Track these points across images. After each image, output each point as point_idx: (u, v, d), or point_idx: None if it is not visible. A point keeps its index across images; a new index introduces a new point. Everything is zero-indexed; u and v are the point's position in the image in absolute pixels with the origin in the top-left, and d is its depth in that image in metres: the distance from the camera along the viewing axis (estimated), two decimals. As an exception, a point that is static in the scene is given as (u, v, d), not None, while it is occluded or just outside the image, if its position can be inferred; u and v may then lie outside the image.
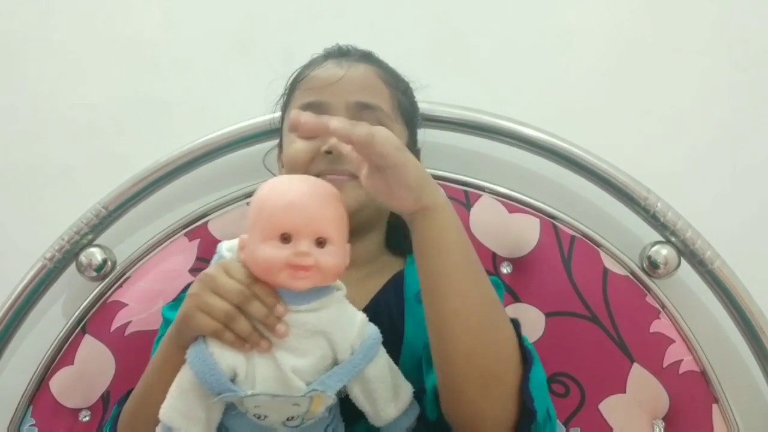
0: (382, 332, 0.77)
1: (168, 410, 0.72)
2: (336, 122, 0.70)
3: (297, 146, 0.91)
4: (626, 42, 1.23)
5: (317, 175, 0.88)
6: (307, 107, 0.92)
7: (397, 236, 1.01)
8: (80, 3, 1.25)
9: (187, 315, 0.73)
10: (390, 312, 0.88)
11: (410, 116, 1.00)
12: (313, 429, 0.75)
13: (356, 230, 0.84)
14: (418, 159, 1.03)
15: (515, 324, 0.78)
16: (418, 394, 0.80)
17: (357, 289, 0.86)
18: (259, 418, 0.73)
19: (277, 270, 0.70)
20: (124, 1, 1.26)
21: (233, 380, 0.71)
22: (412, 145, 1.01)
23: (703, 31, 1.22)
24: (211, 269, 0.74)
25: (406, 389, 0.78)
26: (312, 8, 1.24)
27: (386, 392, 0.76)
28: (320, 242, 0.71)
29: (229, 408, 0.75)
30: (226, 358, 0.71)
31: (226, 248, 0.78)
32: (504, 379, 0.74)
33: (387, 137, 0.70)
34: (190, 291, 0.74)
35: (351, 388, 0.75)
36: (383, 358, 0.77)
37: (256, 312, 0.71)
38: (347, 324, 0.74)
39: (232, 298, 0.71)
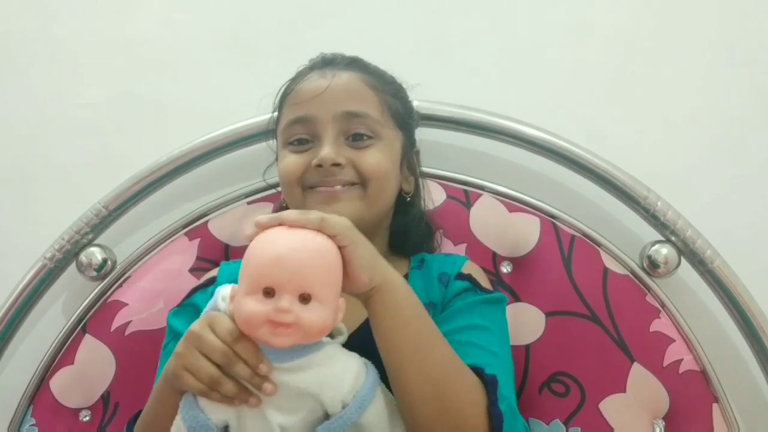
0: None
1: None
2: (288, 215, 0.72)
3: (289, 160, 0.93)
4: (627, 42, 1.23)
5: (310, 188, 0.91)
6: (296, 122, 0.93)
7: (400, 239, 1.02)
8: (80, 3, 1.26)
9: (174, 374, 0.73)
10: None
11: (403, 118, 0.99)
12: None
13: None
14: (418, 159, 1.04)
15: (492, 385, 0.78)
16: None
17: (352, 304, 0.87)
18: None
19: (257, 325, 0.68)
20: (124, 1, 1.26)
21: (226, 429, 0.72)
22: (409, 147, 1.01)
23: (703, 31, 1.22)
24: (198, 326, 0.73)
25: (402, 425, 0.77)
26: (311, 9, 1.24)
27: (383, 429, 0.75)
28: (304, 298, 0.68)
29: None
30: (216, 412, 0.72)
31: (222, 297, 0.76)
32: None
33: (337, 221, 0.72)
34: (177, 350, 0.74)
35: None
36: (378, 401, 0.75)
37: (240, 373, 0.70)
38: (337, 381, 0.72)
39: (216, 359, 0.71)
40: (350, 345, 0.79)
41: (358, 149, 0.92)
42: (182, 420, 0.73)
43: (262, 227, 0.71)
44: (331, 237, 0.71)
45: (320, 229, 0.71)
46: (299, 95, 0.95)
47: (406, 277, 0.95)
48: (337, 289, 0.72)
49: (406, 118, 1.00)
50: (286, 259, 0.68)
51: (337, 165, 0.90)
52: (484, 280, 0.98)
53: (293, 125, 0.94)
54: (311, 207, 0.89)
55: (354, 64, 0.98)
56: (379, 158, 0.92)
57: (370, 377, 0.74)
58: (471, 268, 0.98)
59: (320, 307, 0.69)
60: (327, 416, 0.73)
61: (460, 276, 0.95)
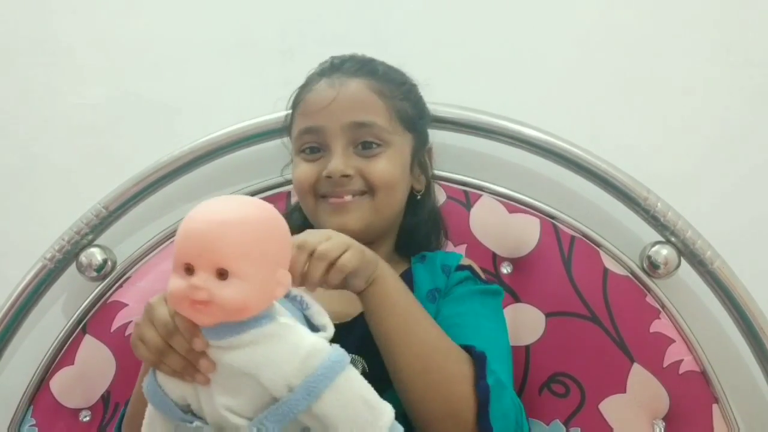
0: None
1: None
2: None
3: (301, 170, 0.96)
4: (627, 43, 1.22)
5: (322, 197, 0.94)
6: (306, 132, 0.96)
7: (408, 238, 1.04)
8: (80, 3, 1.25)
9: (132, 343, 0.74)
10: None
11: (413, 120, 1.00)
12: None
13: (368, 243, 0.86)
14: (430, 156, 1.05)
15: (480, 360, 0.81)
16: None
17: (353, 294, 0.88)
18: None
19: (180, 302, 0.65)
20: (124, 1, 1.26)
21: (190, 408, 0.71)
22: (420, 147, 1.02)
23: (703, 32, 1.22)
24: (155, 298, 0.73)
25: (383, 415, 0.68)
26: (312, 8, 1.24)
27: (351, 428, 0.67)
28: (221, 274, 0.63)
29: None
30: (173, 389, 0.71)
31: None
32: (461, 416, 0.79)
33: (316, 238, 0.75)
34: (136, 320, 0.76)
35: (305, 424, 0.68)
36: (342, 390, 0.67)
37: (178, 346, 0.69)
38: (278, 361, 0.66)
39: (160, 331, 0.70)
40: (345, 339, 0.76)
41: (367, 158, 0.94)
42: (145, 395, 0.72)
43: None
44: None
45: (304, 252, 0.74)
46: (308, 105, 0.97)
47: (408, 272, 0.98)
48: (269, 262, 0.66)
49: (416, 119, 1.01)
50: (198, 233, 0.64)
51: (346, 176, 0.93)
52: (474, 267, 1.01)
53: (304, 135, 0.96)
54: (322, 217, 0.94)
55: (363, 69, 0.98)
56: (387, 166, 0.94)
57: (329, 361, 0.66)
58: (468, 261, 1.02)
59: (239, 284, 0.64)
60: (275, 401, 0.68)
61: (460, 267, 0.99)
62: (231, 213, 0.66)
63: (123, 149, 1.24)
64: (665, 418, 1.10)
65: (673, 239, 1.13)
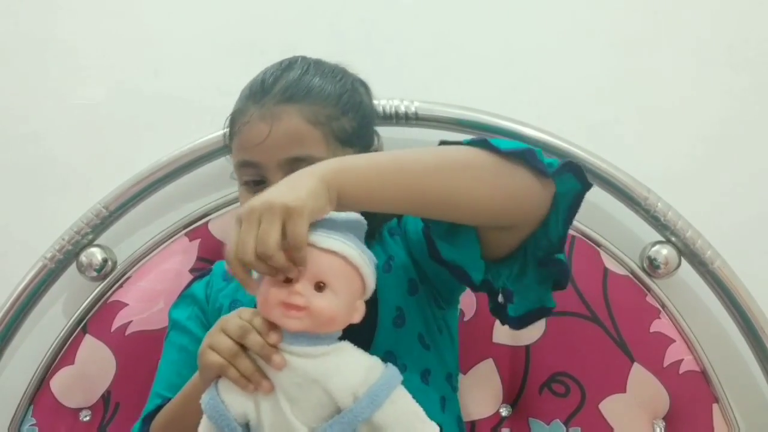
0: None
1: None
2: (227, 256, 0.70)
3: (247, 201, 0.92)
4: (626, 42, 1.22)
5: None
6: (244, 164, 0.92)
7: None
8: (80, 3, 1.25)
9: (201, 352, 0.75)
10: None
11: (356, 133, 0.95)
12: None
13: None
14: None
15: (528, 153, 0.78)
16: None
17: None
18: None
19: (273, 305, 0.70)
20: (124, 1, 1.26)
21: (248, 426, 0.73)
22: (364, 151, 0.96)
23: (703, 31, 1.22)
24: (226, 316, 0.76)
25: (433, 429, 0.74)
26: (312, 8, 1.24)
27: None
28: (320, 287, 0.70)
29: None
30: (235, 405, 0.72)
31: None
32: (538, 209, 0.79)
33: (250, 204, 0.69)
34: (206, 336, 0.76)
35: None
36: (399, 403, 0.73)
37: (253, 343, 0.71)
38: (348, 371, 0.72)
39: (234, 333, 0.72)
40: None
41: None
42: (204, 411, 0.73)
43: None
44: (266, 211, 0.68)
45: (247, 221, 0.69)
46: (243, 140, 0.93)
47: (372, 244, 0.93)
48: (355, 289, 0.73)
49: (357, 131, 0.96)
50: (310, 251, 0.70)
51: None
52: None
53: (243, 167, 0.93)
54: None
55: (295, 91, 0.93)
56: None
57: (387, 374, 0.73)
58: None
59: (333, 297, 0.71)
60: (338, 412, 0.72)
61: (407, 221, 0.96)
62: (336, 241, 0.72)
63: (123, 149, 1.24)
64: (665, 418, 1.10)
65: (673, 239, 1.13)
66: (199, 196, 1.21)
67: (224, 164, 1.19)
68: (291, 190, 0.70)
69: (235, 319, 0.73)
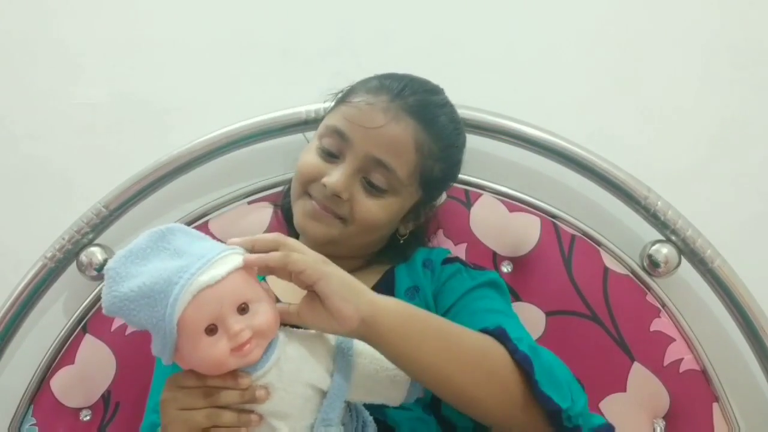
0: None
1: None
2: (249, 258, 0.72)
3: (310, 161, 0.95)
4: (627, 41, 1.22)
5: (309, 195, 0.94)
6: (336, 132, 0.94)
7: (388, 251, 1.02)
8: (81, 3, 1.25)
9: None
10: None
11: (434, 182, 0.97)
12: None
13: (331, 257, 0.87)
14: (431, 212, 1.03)
15: (502, 336, 0.80)
16: None
17: None
18: None
19: (225, 360, 0.70)
20: (124, 1, 1.26)
21: None
22: (426, 201, 1.00)
23: (703, 30, 1.22)
24: (166, 393, 0.75)
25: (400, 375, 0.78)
26: (312, 8, 1.24)
27: (385, 377, 0.76)
28: (242, 309, 0.71)
29: None
30: None
31: None
32: (514, 400, 0.78)
33: (299, 258, 0.71)
34: (166, 420, 0.75)
35: (353, 398, 0.75)
36: (362, 354, 0.76)
37: (230, 400, 0.72)
38: (310, 352, 0.74)
39: (200, 403, 0.72)
40: None
41: (367, 192, 0.93)
42: None
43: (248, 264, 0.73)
44: (299, 274, 0.71)
45: (284, 266, 0.71)
46: (354, 112, 0.94)
47: (390, 271, 0.98)
48: (255, 281, 0.73)
49: (437, 182, 0.98)
50: (208, 294, 0.69)
51: (338, 196, 0.91)
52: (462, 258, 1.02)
53: (333, 133, 0.94)
54: (298, 213, 0.94)
55: (424, 112, 0.94)
56: (377, 211, 0.93)
57: (343, 341, 0.76)
58: (454, 255, 1.02)
59: (258, 305, 0.71)
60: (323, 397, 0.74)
61: (448, 260, 0.99)
62: (218, 266, 0.70)
63: (123, 149, 1.24)
64: (665, 417, 1.10)
65: (673, 238, 1.13)
66: (199, 196, 1.21)
67: (224, 164, 1.19)
68: (346, 286, 0.73)
69: (187, 393, 0.73)
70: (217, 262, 0.70)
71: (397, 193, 0.94)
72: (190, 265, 0.69)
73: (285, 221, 1.09)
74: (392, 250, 1.02)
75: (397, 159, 0.92)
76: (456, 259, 1.00)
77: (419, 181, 0.95)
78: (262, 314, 0.71)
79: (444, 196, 1.14)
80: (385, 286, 0.96)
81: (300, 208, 0.95)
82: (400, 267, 0.99)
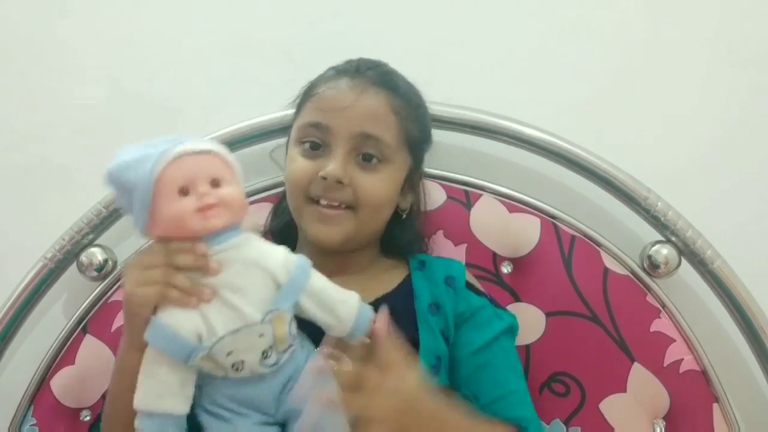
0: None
1: (141, 398, 0.76)
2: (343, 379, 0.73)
3: (298, 166, 0.95)
4: (627, 41, 1.22)
5: (311, 199, 0.94)
6: (313, 126, 0.94)
7: (390, 244, 1.03)
8: (80, 3, 1.25)
9: (128, 297, 0.77)
10: (397, 319, 0.89)
11: (417, 143, 0.99)
12: (293, 364, 0.79)
13: (350, 252, 0.92)
14: (421, 178, 1.05)
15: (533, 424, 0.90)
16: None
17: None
18: (237, 369, 0.76)
19: (189, 218, 0.74)
20: (124, 1, 1.26)
21: (200, 341, 0.75)
22: (416, 169, 1.01)
23: (703, 31, 1.22)
24: (128, 266, 0.79)
25: (351, 293, 0.82)
26: (312, 8, 1.24)
27: (336, 295, 0.80)
28: (216, 183, 0.75)
29: (209, 380, 0.78)
30: (183, 324, 0.75)
31: None
32: None
33: (376, 415, 0.72)
34: (123, 281, 0.79)
35: (303, 304, 0.78)
36: (319, 274, 0.80)
37: (183, 261, 0.75)
38: (273, 251, 0.79)
39: (159, 261, 0.75)
40: None
41: (364, 170, 0.93)
42: (152, 344, 0.76)
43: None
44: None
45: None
46: (324, 101, 0.95)
47: (407, 280, 0.98)
48: (236, 173, 0.79)
49: (419, 143, 1.00)
50: (189, 158, 0.75)
51: (340, 183, 0.91)
52: (480, 286, 1.03)
53: (310, 128, 0.95)
54: (306, 221, 0.94)
55: (385, 80, 0.97)
56: (379, 185, 0.94)
57: (300, 255, 0.80)
58: (471, 277, 1.02)
59: (232, 187, 0.77)
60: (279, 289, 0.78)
61: (471, 287, 0.99)
62: (203, 143, 0.78)
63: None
64: (665, 418, 1.10)
65: (673, 239, 1.13)
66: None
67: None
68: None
69: (150, 254, 0.77)
70: (206, 143, 0.78)
71: (390, 161, 0.95)
72: (182, 139, 0.77)
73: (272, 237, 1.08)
74: (397, 233, 1.02)
75: (380, 127, 0.93)
76: (480, 292, 1.00)
77: (406, 145, 0.97)
78: (233, 190, 0.76)
79: (444, 197, 1.14)
80: (403, 298, 0.96)
81: (307, 217, 0.94)
82: (417, 275, 0.99)
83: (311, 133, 0.95)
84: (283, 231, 1.04)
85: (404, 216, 1.02)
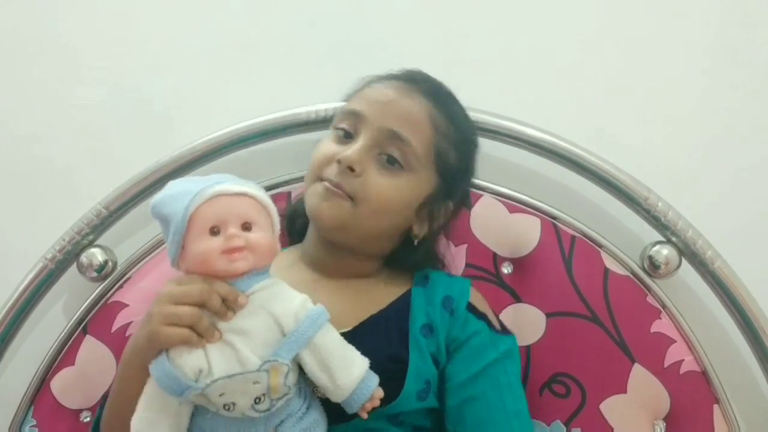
0: (376, 351, 0.82)
1: (136, 423, 0.78)
2: None
3: (324, 148, 0.95)
4: (627, 42, 1.22)
5: (321, 180, 0.92)
6: (350, 113, 0.94)
7: (396, 263, 1.00)
8: (80, 3, 1.25)
9: (152, 333, 0.76)
10: (389, 335, 0.90)
11: (451, 171, 0.95)
12: (287, 410, 0.79)
13: (342, 246, 0.91)
14: (446, 215, 0.99)
15: None
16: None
17: (351, 304, 0.89)
18: (228, 409, 0.76)
19: (215, 258, 0.75)
20: (124, 1, 1.26)
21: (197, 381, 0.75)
22: (443, 197, 0.97)
23: (704, 31, 1.22)
24: (167, 286, 0.78)
25: (361, 360, 0.81)
26: (313, 8, 1.24)
27: (340, 360, 0.79)
28: (246, 227, 0.77)
29: (202, 411, 0.79)
30: (190, 365, 0.75)
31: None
32: None
33: None
34: (149, 312, 0.78)
35: (304, 359, 0.78)
36: (332, 330, 0.80)
37: (215, 304, 0.75)
38: (287, 297, 0.79)
39: (194, 298, 0.75)
40: (352, 338, 0.83)
41: (382, 169, 0.91)
42: (155, 378, 0.76)
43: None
44: None
45: None
46: (367, 93, 0.96)
47: (406, 294, 0.95)
48: (269, 224, 0.80)
49: (454, 172, 0.96)
50: (223, 200, 0.77)
51: (352, 170, 0.90)
52: (484, 307, 0.99)
53: (347, 114, 0.95)
54: (309, 196, 0.93)
55: (435, 94, 0.95)
56: (390, 188, 0.91)
57: (319, 306, 0.80)
58: (477, 297, 0.99)
59: (262, 232, 0.78)
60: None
61: (472, 308, 0.96)
62: (241, 185, 0.80)
63: (123, 149, 1.24)
64: (666, 419, 1.10)
65: (673, 239, 1.13)
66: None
67: (225, 165, 1.19)
68: None
69: (185, 288, 0.76)
70: (244, 186, 0.80)
71: (412, 171, 0.92)
72: (224, 179, 0.80)
73: (288, 233, 1.06)
74: (405, 254, 0.99)
75: (412, 130, 0.91)
76: (481, 314, 0.96)
77: (435, 166, 0.94)
78: (262, 235, 0.78)
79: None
80: (398, 314, 0.93)
81: (311, 192, 0.93)
82: (417, 291, 0.96)
83: (346, 119, 0.94)
84: (291, 217, 1.04)
85: (415, 242, 0.97)
